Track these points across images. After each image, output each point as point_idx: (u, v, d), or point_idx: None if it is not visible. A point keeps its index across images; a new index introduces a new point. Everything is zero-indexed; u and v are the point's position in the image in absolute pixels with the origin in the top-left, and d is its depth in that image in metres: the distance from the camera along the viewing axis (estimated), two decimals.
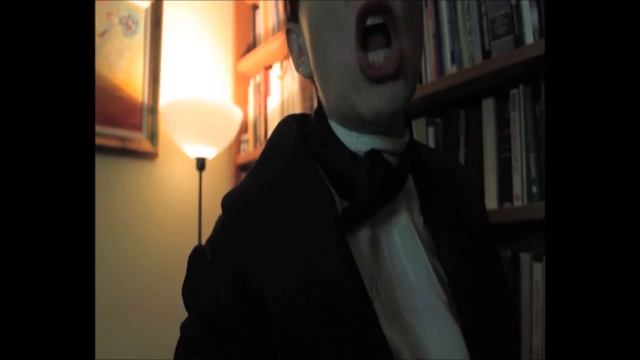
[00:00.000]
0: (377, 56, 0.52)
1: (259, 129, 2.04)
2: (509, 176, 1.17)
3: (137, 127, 1.83)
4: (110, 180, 1.76)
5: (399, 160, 0.57)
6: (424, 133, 1.36)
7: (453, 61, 1.31)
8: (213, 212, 0.63)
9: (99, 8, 1.76)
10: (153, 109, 1.86)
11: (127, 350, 1.62)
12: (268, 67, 2.05)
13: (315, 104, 0.63)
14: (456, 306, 0.55)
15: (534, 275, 1.09)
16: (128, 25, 1.84)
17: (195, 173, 1.84)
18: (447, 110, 1.32)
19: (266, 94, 2.03)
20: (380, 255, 0.56)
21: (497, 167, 1.20)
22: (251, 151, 2.04)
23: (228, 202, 0.58)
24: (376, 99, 0.52)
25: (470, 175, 0.77)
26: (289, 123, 0.63)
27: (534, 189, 1.12)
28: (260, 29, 2.11)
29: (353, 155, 0.57)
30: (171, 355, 0.56)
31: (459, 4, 1.30)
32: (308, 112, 0.66)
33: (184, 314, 0.57)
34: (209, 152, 1.81)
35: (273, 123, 1.93)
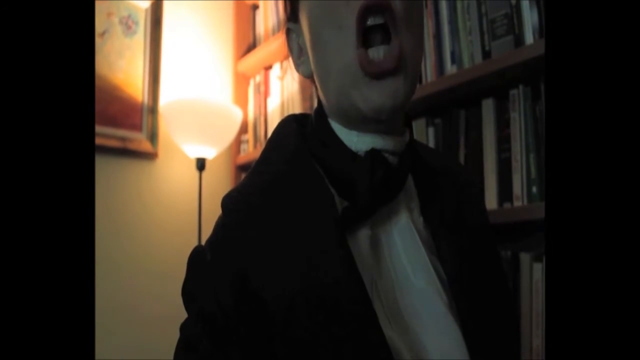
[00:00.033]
0: (377, 52, 0.53)
1: (259, 129, 2.04)
2: (508, 176, 1.17)
3: (137, 127, 1.83)
4: (110, 180, 1.75)
5: (399, 160, 0.57)
6: (424, 133, 1.36)
7: (453, 61, 1.31)
8: (213, 212, 0.63)
9: (99, 8, 1.76)
10: (153, 109, 1.86)
11: (127, 350, 1.62)
12: (268, 67, 2.05)
13: (315, 104, 0.63)
14: (456, 306, 0.55)
15: (534, 275, 1.09)
16: (128, 25, 1.84)
17: (195, 173, 1.84)
18: (447, 111, 1.32)
19: (266, 94, 2.03)
20: (380, 255, 0.56)
21: (497, 167, 1.20)
22: (251, 151, 2.04)
23: (228, 202, 0.58)
24: (376, 95, 0.53)
25: (470, 175, 0.77)
26: (289, 123, 0.63)
27: (534, 189, 1.12)
28: (260, 29, 2.11)
29: (353, 155, 0.57)
30: (171, 355, 0.56)
31: (459, 4, 1.30)
32: (308, 112, 0.66)
33: (184, 314, 0.57)
34: (209, 152, 1.81)
35: (273, 123, 1.93)
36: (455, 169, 0.71)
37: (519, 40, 1.15)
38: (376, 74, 0.52)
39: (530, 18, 1.13)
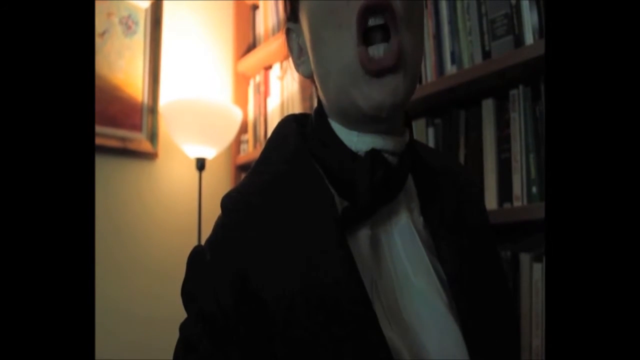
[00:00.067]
0: (377, 50, 0.53)
1: (259, 129, 2.04)
2: (508, 176, 1.17)
3: (137, 127, 1.83)
4: (110, 180, 1.76)
5: (399, 160, 0.57)
6: (424, 133, 1.36)
7: (453, 61, 1.31)
8: (213, 212, 0.63)
9: (99, 8, 1.76)
10: (153, 109, 1.86)
11: (127, 350, 1.62)
12: (268, 67, 2.05)
13: (315, 104, 0.63)
14: (456, 306, 0.55)
15: (533, 275, 1.09)
16: (128, 25, 1.84)
17: (195, 173, 1.84)
18: (447, 111, 1.32)
19: (266, 94, 2.03)
20: (380, 255, 0.56)
21: (497, 168, 1.20)
22: (251, 151, 2.04)
23: (228, 202, 0.58)
24: (376, 93, 0.53)
25: (470, 175, 0.77)
26: (289, 123, 0.63)
27: (534, 189, 1.12)
28: (260, 29, 2.11)
29: (353, 155, 0.57)
30: (171, 355, 0.56)
31: (459, 4, 1.30)
32: (308, 112, 0.66)
33: (183, 314, 0.57)
34: (209, 152, 1.81)
35: (273, 123, 1.93)
36: (455, 169, 0.71)
37: (519, 41, 1.15)
38: (376, 72, 0.52)
39: (530, 18, 1.13)
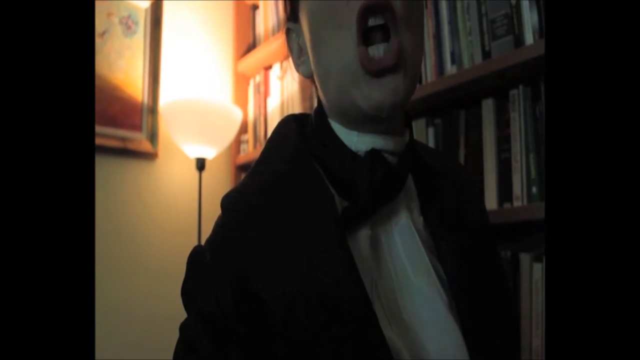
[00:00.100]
0: (377, 50, 0.53)
1: (259, 129, 2.04)
2: (508, 176, 1.17)
3: (137, 127, 1.83)
4: (110, 180, 1.75)
5: (399, 160, 0.57)
6: (424, 133, 1.36)
7: (453, 61, 1.31)
8: (213, 212, 0.63)
9: (99, 8, 1.76)
10: (153, 109, 1.86)
11: (127, 350, 1.62)
12: (268, 68, 2.05)
13: (315, 104, 0.63)
14: (456, 306, 0.55)
15: (534, 275, 1.09)
16: (128, 25, 1.84)
17: (195, 173, 1.84)
18: (447, 111, 1.32)
19: (266, 94, 2.03)
20: (380, 255, 0.56)
21: (497, 168, 1.20)
22: (251, 151, 2.04)
23: (227, 202, 0.58)
24: (376, 93, 0.53)
25: (470, 175, 0.77)
26: (289, 123, 0.63)
27: (534, 189, 1.12)
28: (260, 29, 2.11)
29: (353, 155, 0.57)
30: (171, 355, 0.56)
31: (459, 4, 1.30)
32: (308, 112, 0.66)
33: (183, 314, 0.57)
34: (209, 152, 1.81)
35: (273, 123, 1.93)
36: (455, 169, 0.71)
37: (519, 41, 1.15)
38: (376, 71, 0.52)
39: (530, 18, 1.13)
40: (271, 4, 2.04)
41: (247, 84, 2.14)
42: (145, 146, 1.84)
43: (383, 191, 0.56)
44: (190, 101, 1.77)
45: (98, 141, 1.70)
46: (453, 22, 1.31)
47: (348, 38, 0.53)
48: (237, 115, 1.85)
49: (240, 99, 2.11)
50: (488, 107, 1.23)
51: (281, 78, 1.95)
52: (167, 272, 1.72)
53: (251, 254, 0.53)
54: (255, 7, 2.17)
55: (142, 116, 1.85)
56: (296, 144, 0.60)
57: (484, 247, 0.63)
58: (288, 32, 0.63)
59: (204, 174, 1.84)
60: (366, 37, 0.53)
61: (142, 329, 1.70)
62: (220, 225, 0.58)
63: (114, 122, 1.77)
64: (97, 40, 1.76)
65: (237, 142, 2.07)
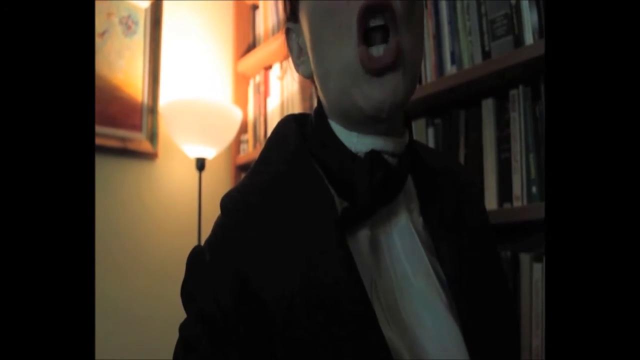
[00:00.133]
0: (377, 51, 0.53)
1: (259, 129, 2.04)
2: (508, 176, 1.17)
3: (137, 127, 1.83)
4: (110, 180, 1.76)
5: (398, 161, 0.57)
6: (424, 133, 1.36)
7: (453, 62, 1.31)
8: (213, 212, 0.63)
9: (99, 8, 1.76)
10: (153, 109, 1.86)
11: (127, 350, 1.62)
12: (268, 67, 2.05)
13: (315, 104, 0.63)
14: (456, 306, 0.55)
15: (534, 275, 1.09)
16: (128, 25, 1.84)
17: (195, 173, 1.84)
18: (447, 111, 1.32)
19: (266, 94, 2.03)
20: (380, 256, 0.56)
21: (497, 168, 1.20)
22: (251, 151, 2.04)
23: (227, 202, 0.58)
24: (376, 92, 0.53)
25: (470, 175, 0.77)
26: (289, 123, 0.63)
27: (534, 189, 1.12)
28: (260, 29, 2.11)
29: (353, 155, 0.57)
30: (171, 355, 0.56)
31: (458, 4, 1.30)
32: (308, 112, 0.66)
33: (183, 314, 0.57)
34: (209, 152, 1.81)
35: (273, 123, 1.93)
36: (455, 169, 0.71)
37: (518, 41, 1.15)
38: (376, 70, 0.52)
39: (530, 18, 1.13)
40: (271, 4, 2.04)
41: (247, 84, 2.14)
42: (145, 146, 1.84)
43: (382, 192, 0.56)
44: (190, 101, 1.77)
45: (98, 141, 1.70)
46: (453, 22, 1.31)
47: (348, 38, 0.53)
48: (237, 115, 1.85)
49: (240, 99, 2.11)
50: (488, 107, 1.22)
51: (281, 78, 1.95)
52: (167, 272, 1.72)
53: (251, 254, 0.53)
54: (255, 7, 2.17)
55: (142, 116, 1.85)
56: (296, 144, 0.60)
57: (484, 247, 0.63)
58: (288, 32, 0.63)
59: (204, 174, 1.84)
60: (366, 38, 0.53)
61: (142, 329, 1.70)
62: (220, 225, 0.58)
63: (114, 122, 1.77)
64: (97, 40, 1.76)
65: (237, 142, 2.07)
